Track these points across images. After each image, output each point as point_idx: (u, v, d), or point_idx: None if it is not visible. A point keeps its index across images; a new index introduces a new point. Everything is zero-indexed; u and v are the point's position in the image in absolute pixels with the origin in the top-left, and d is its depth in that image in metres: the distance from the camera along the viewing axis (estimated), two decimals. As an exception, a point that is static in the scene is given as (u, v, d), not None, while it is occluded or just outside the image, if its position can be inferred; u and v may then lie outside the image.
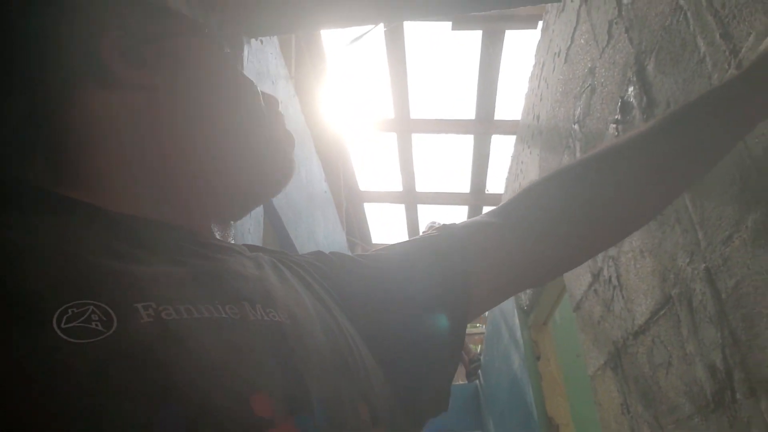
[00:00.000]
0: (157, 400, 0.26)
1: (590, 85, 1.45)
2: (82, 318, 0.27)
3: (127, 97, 0.40)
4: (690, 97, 0.92)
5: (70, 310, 0.27)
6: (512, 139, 2.91)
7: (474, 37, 2.60)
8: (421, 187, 3.92)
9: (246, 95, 0.45)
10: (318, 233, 2.73)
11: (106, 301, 0.28)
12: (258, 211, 1.69)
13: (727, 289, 0.90)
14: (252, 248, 0.48)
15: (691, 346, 1.05)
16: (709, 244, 0.93)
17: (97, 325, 0.27)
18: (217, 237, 0.44)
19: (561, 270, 0.63)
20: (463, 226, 0.56)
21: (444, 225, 0.56)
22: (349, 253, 0.61)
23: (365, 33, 2.50)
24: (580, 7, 1.46)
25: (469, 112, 3.16)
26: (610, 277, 1.46)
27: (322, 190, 2.93)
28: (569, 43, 1.60)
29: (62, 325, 0.26)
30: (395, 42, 2.71)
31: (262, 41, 1.88)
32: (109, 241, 0.34)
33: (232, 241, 0.46)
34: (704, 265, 0.96)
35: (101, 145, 0.40)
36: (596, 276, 1.56)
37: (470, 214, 4.08)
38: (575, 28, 1.53)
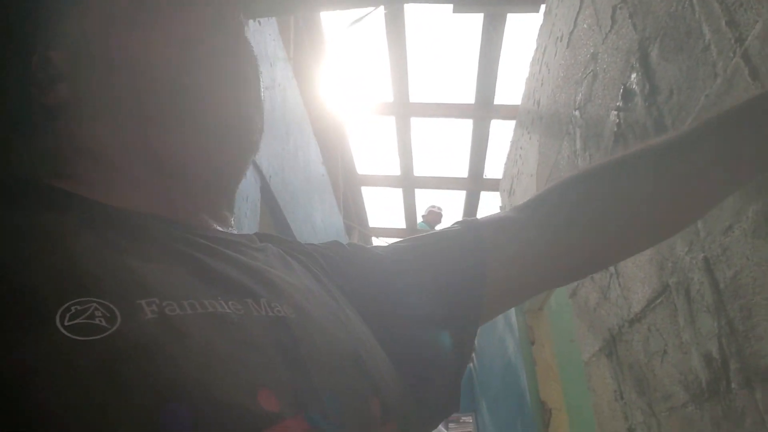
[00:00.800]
0: (161, 396, 0.26)
1: (592, 70, 1.44)
2: (85, 315, 0.27)
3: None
4: (692, 84, 0.91)
5: (73, 308, 0.27)
6: (512, 124, 2.89)
7: (475, 20, 2.57)
8: (419, 171, 3.91)
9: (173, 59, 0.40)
10: (315, 217, 2.73)
11: (109, 298, 0.28)
12: (254, 195, 1.68)
13: (726, 279, 0.89)
14: (262, 237, 0.48)
15: (687, 335, 1.05)
16: (709, 233, 0.93)
17: (100, 321, 0.27)
18: (220, 230, 0.43)
19: (584, 272, 0.59)
20: (485, 223, 0.53)
21: (465, 220, 0.54)
22: (346, 240, 0.59)
23: (365, 15, 2.47)
24: (583, -9, 1.44)
25: (468, 96, 3.13)
26: (607, 265, 1.46)
27: (319, 173, 2.91)
28: (572, 27, 1.58)
29: (65, 323, 0.26)
30: (395, 24, 2.67)
31: (260, 22, 1.85)
32: (111, 236, 0.33)
33: (234, 231, 0.45)
34: (703, 254, 0.96)
35: (91, 138, 0.40)
36: (593, 263, 1.56)
37: (468, 200, 4.07)
38: (578, 12, 1.51)
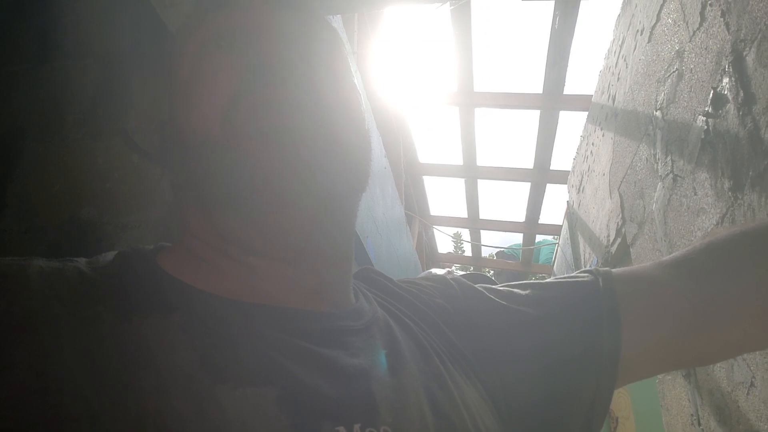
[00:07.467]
0: None
1: (677, 69, 1.32)
2: None
3: None
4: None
5: None
6: (580, 115, 2.74)
7: (546, 8, 2.43)
8: (482, 161, 3.81)
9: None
10: (377, 210, 2.72)
11: None
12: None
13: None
14: (364, 279, 0.45)
15: (779, 371, 0.95)
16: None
17: None
18: (327, 311, 0.38)
19: (739, 352, 0.50)
20: (623, 279, 0.45)
21: (598, 270, 0.46)
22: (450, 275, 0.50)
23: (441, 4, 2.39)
24: (669, -18, 1.32)
25: (536, 87, 3.00)
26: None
27: (382, 166, 2.89)
28: (654, 21, 1.45)
29: None
30: (461, 12, 2.58)
31: (323, 19, 1.83)
32: (209, 347, 0.31)
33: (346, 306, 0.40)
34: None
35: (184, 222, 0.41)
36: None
37: (532, 191, 3.93)
38: (662, 6, 1.39)
